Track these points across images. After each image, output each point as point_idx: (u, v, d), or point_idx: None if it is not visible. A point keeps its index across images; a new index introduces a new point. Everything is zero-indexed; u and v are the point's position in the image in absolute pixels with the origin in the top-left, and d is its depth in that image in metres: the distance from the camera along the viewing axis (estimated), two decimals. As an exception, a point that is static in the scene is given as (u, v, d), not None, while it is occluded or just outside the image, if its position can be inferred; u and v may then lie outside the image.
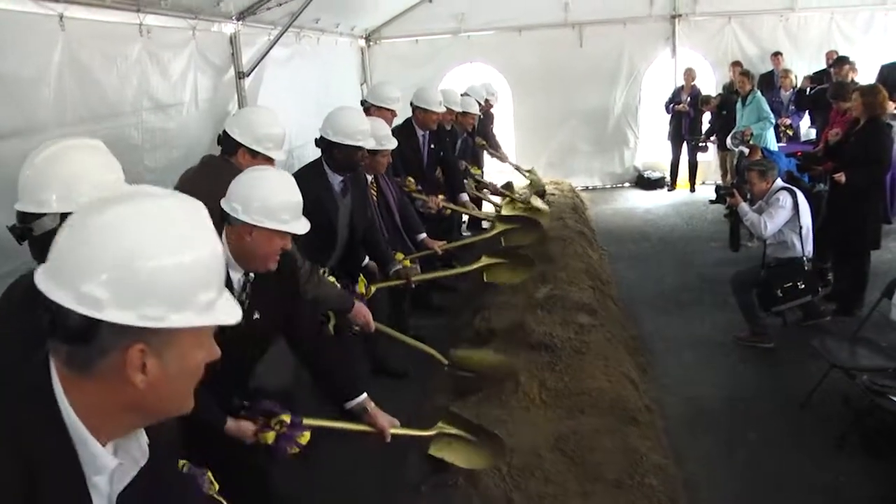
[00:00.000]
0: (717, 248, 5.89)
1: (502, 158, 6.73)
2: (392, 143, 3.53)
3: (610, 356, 3.36)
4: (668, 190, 8.51)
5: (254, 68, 4.91)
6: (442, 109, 4.50)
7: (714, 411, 3.28)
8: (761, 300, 3.94)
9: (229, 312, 0.82)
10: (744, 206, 3.97)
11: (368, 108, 4.00)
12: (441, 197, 4.47)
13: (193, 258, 0.77)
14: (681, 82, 8.11)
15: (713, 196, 7.51)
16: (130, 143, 3.54)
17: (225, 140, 2.42)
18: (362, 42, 8.34)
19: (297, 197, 1.79)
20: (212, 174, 2.26)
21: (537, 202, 5.84)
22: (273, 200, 1.72)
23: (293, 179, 1.83)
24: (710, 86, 8.23)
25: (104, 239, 0.74)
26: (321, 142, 3.01)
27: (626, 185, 8.93)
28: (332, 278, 2.66)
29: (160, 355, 0.77)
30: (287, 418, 1.78)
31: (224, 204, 1.73)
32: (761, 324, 3.98)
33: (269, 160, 2.38)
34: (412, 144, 4.46)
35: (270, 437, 1.77)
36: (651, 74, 8.55)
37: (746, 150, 5.72)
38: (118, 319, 0.74)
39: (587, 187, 8.84)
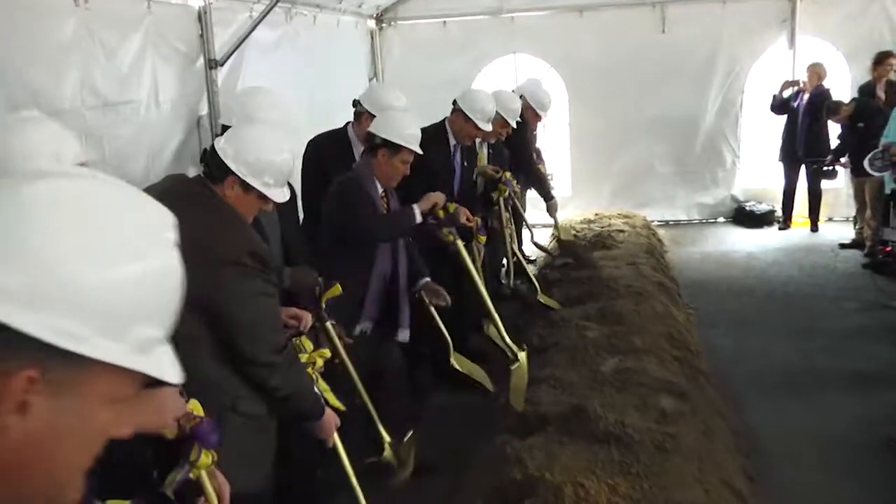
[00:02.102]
0: (852, 312, 5.82)
1: (545, 192, 6.37)
2: (416, 145, 3.62)
3: (705, 456, 3.32)
4: (781, 228, 8.50)
5: (230, 56, 5.06)
6: (487, 128, 4.60)
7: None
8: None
9: (171, 368, 0.79)
10: None
11: (361, 115, 4.11)
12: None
13: (139, 274, 0.75)
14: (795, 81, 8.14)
15: (845, 238, 7.45)
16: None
17: (213, 160, 2.40)
18: (372, 23, 8.59)
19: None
20: (206, 214, 2.28)
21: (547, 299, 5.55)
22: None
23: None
24: (842, 88, 8.19)
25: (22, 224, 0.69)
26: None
27: (722, 220, 8.94)
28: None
29: (56, 395, 0.69)
30: None
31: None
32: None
33: (263, 200, 2.42)
34: (442, 154, 4.54)
35: None
36: (758, 72, 8.64)
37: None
38: (20, 325, 0.66)
39: (667, 222, 8.89)
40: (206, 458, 1.85)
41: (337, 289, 3.07)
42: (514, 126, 5.26)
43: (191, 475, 1.84)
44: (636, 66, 8.41)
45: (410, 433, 3.57)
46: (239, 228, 2.30)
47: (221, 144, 2.38)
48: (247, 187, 2.35)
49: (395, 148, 3.54)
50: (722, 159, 8.81)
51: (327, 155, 4.18)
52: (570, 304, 5.35)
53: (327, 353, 2.70)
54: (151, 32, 4.35)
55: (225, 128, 3.06)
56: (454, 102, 4.68)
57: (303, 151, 4.34)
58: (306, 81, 6.63)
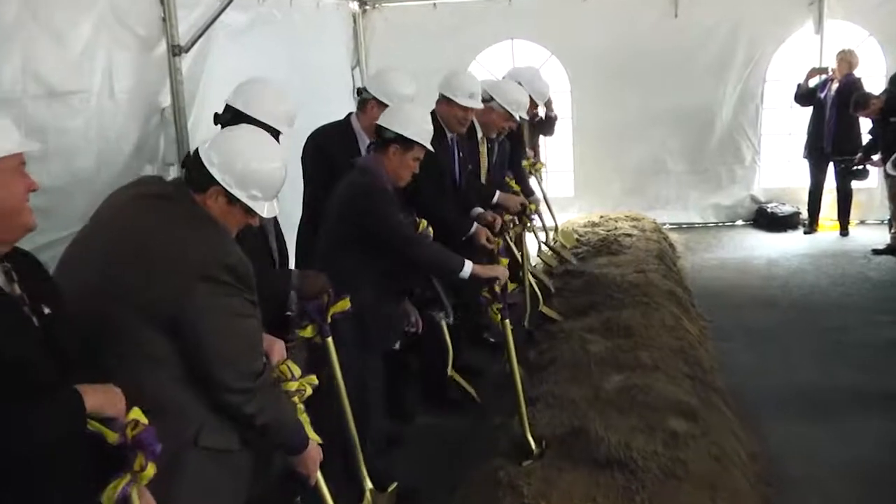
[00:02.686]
0: (886, 325, 5.83)
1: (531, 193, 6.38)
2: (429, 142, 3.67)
3: (719, 484, 3.31)
4: (806, 232, 8.53)
5: (195, 41, 5.05)
6: (474, 104, 4.57)
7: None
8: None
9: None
10: None
11: (367, 102, 4.10)
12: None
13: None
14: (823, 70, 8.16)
15: (878, 243, 7.44)
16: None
17: (195, 166, 2.35)
18: (355, 6, 8.61)
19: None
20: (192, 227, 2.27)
21: (546, 309, 5.67)
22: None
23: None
24: (875, 77, 8.21)
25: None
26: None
27: (740, 223, 8.97)
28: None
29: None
30: None
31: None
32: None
33: (249, 214, 2.38)
34: (444, 149, 4.55)
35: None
36: (782, 59, 8.69)
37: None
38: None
39: (680, 225, 8.91)
40: (151, 469, 1.95)
41: (346, 303, 3.18)
42: (519, 121, 5.26)
43: (130, 489, 1.93)
44: (646, 53, 8.44)
45: (394, 486, 3.60)
46: (215, 239, 2.24)
47: (206, 150, 2.35)
48: (232, 199, 2.32)
49: (408, 144, 3.56)
50: (741, 156, 8.85)
51: (331, 150, 4.15)
52: (572, 316, 5.36)
53: (315, 380, 2.67)
54: (106, 15, 4.30)
55: (222, 115, 3.30)
56: (440, 94, 4.70)
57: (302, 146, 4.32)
58: (281, 70, 6.57)
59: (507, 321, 3.78)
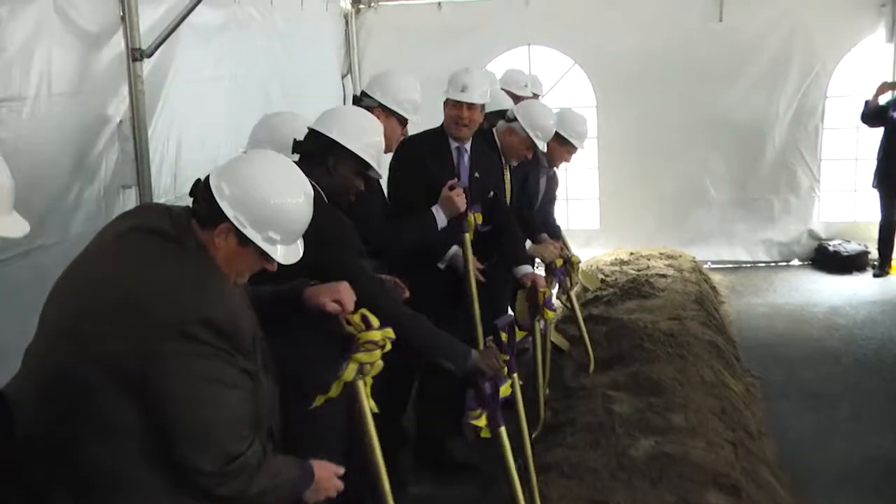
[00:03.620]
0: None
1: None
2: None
3: (766, 573, 3.26)
4: (876, 275, 8.53)
5: (160, 44, 5.09)
6: (464, 98, 4.54)
7: None
8: None
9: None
10: None
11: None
12: None
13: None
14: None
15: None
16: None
17: (205, 198, 2.31)
18: (347, 4, 8.71)
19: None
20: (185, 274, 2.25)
21: (556, 336, 5.82)
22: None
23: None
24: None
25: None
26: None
27: (796, 262, 8.98)
28: None
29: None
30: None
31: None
32: None
33: (263, 258, 2.36)
34: (440, 160, 4.51)
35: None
36: (845, 72, 8.70)
37: None
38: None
39: (725, 265, 8.92)
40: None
41: (507, 388, 3.33)
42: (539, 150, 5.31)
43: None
44: (685, 62, 8.50)
45: None
46: (200, 287, 2.19)
47: (217, 178, 2.29)
48: (244, 240, 2.28)
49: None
50: (796, 183, 8.85)
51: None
52: (594, 369, 5.34)
53: (392, 333, 2.73)
54: (49, 9, 4.31)
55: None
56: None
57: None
58: (259, 78, 6.66)
59: (503, 428, 3.37)
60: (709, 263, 8.70)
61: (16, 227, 2.04)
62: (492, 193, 4.73)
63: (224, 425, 2.19)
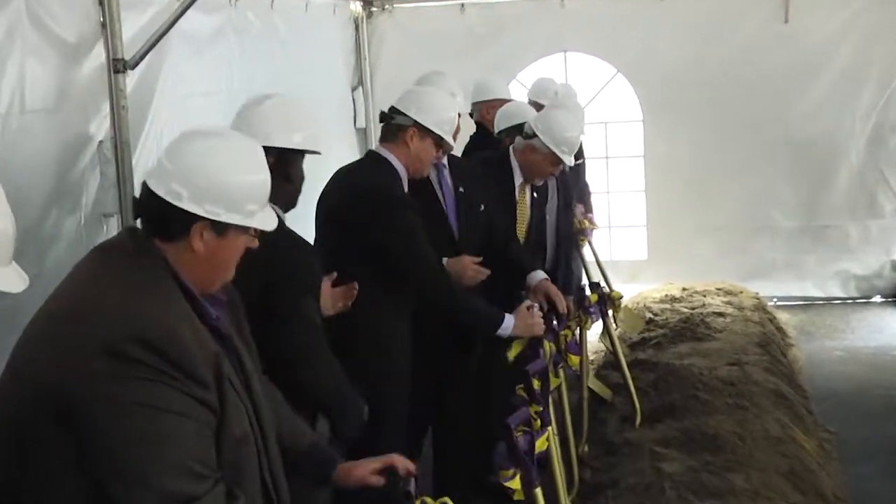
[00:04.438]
0: None
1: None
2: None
3: None
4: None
5: (145, 54, 5.12)
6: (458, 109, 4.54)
7: None
8: None
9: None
10: None
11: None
12: None
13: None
14: None
15: None
16: None
17: (160, 209, 2.34)
18: (358, 7, 8.78)
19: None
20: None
21: (595, 383, 5.89)
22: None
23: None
24: None
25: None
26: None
27: (878, 299, 8.92)
28: None
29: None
30: None
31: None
32: None
33: (246, 233, 2.45)
34: (417, 184, 4.43)
35: None
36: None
37: None
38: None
39: (793, 302, 8.87)
40: None
41: (543, 442, 3.43)
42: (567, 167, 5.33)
43: None
44: (744, 70, 8.50)
45: None
46: (138, 304, 2.17)
47: (164, 184, 2.31)
48: (222, 229, 2.34)
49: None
50: (877, 208, 8.80)
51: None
52: (640, 422, 5.32)
53: None
54: (22, 15, 4.34)
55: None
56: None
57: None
58: (259, 89, 6.68)
59: (538, 489, 3.43)
60: (774, 300, 8.67)
61: (15, 280, 2.05)
62: (482, 208, 4.72)
63: (167, 460, 2.09)
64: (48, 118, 4.57)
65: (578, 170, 7.13)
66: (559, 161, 5.05)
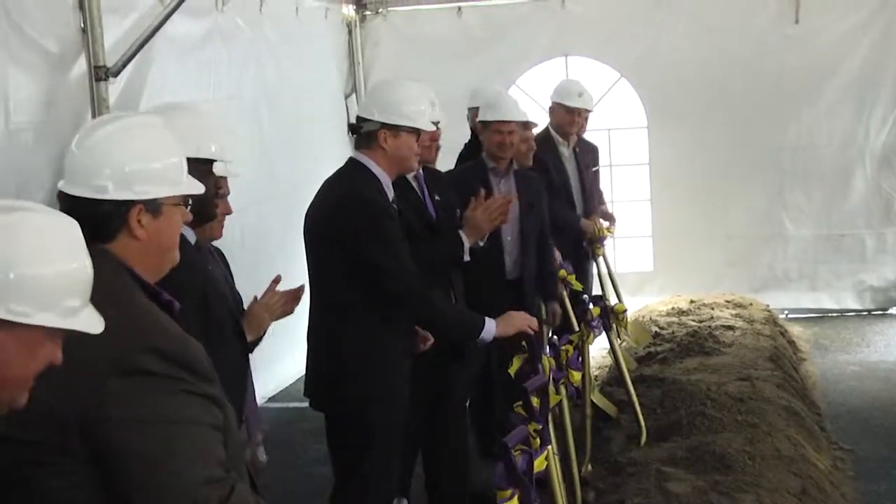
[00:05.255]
0: None
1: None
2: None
3: None
4: None
5: (128, 61, 5.14)
6: (431, 119, 4.49)
7: None
8: None
9: (94, 324, 1.96)
10: None
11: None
12: None
13: (67, 268, 1.91)
14: None
15: None
16: None
17: (90, 210, 2.36)
18: (350, 9, 8.79)
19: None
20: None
21: (600, 399, 5.90)
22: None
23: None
24: None
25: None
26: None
27: (895, 310, 8.86)
28: None
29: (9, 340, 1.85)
30: None
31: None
32: None
33: (184, 204, 2.50)
34: (403, 197, 4.49)
35: None
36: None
37: None
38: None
39: (806, 314, 8.87)
40: None
41: (542, 462, 3.51)
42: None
43: None
44: (753, 73, 8.52)
45: None
46: (132, 312, 2.19)
47: (94, 182, 2.34)
48: (155, 208, 2.37)
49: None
50: (894, 216, 8.79)
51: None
52: (646, 440, 5.32)
53: None
54: (1, 20, 4.39)
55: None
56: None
57: None
58: (248, 96, 6.76)
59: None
60: (786, 313, 8.67)
61: (96, 321, 2.05)
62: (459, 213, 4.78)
63: (193, 472, 2.13)
64: (33, 132, 4.60)
65: (595, 177, 7.19)
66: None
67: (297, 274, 4.01)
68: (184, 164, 2.48)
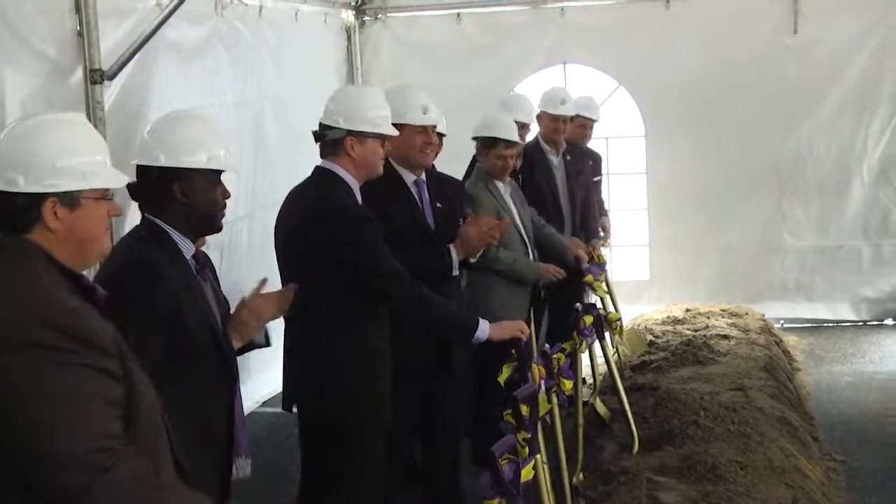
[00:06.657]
0: None
1: None
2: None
3: None
4: None
5: (124, 64, 5.14)
6: (425, 121, 4.59)
7: None
8: None
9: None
10: None
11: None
12: None
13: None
14: None
15: None
16: None
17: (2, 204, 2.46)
18: (350, 16, 8.83)
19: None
20: None
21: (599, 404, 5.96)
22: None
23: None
24: None
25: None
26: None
27: (891, 322, 8.92)
28: None
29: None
30: None
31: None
32: None
33: (105, 199, 2.52)
34: (401, 202, 4.54)
35: None
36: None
37: None
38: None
39: (801, 324, 8.89)
40: None
41: (529, 471, 3.49)
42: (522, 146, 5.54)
43: None
44: (752, 84, 8.55)
45: None
46: (32, 290, 2.25)
47: (6, 175, 2.40)
48: (73, 200, 2.42)
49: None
50: (891, 228, 8.82)
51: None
52: (638, 449, 5.32)
53: None
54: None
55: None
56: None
57: None
58: (249, 101, 6.78)
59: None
60: (781, 323, 8.68)
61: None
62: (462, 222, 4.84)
63: (85, 443, 2.16)
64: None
65: (596, 186, 7.22)
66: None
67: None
68: (105, 158, 2.52)
